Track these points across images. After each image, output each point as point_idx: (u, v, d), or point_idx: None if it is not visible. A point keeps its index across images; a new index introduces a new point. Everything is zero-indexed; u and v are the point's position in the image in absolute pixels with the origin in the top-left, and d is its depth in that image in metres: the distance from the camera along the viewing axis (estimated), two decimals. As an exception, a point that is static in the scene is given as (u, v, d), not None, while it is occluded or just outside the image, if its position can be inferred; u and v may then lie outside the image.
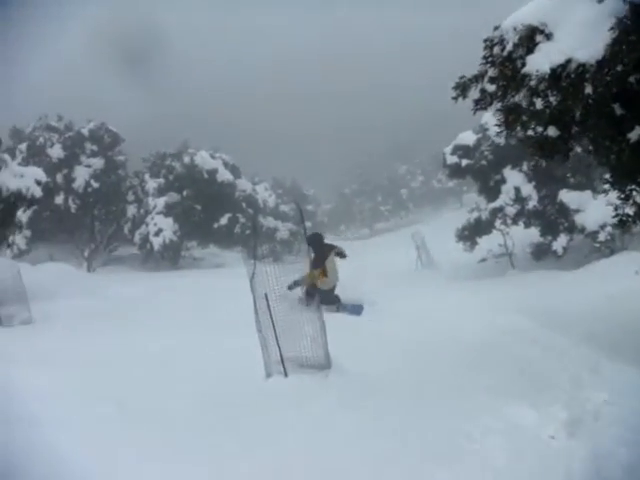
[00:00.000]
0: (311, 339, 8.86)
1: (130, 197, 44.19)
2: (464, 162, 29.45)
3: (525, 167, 26.79)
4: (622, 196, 9.09)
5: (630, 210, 9.07)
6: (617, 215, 9.20)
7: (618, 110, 8.28)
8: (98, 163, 42.37)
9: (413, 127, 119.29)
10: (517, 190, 27.03)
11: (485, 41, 8.05)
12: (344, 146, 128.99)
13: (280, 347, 8.72)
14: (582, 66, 7.11)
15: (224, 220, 41.37)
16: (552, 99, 8.05)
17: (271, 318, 8.67)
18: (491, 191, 28.67)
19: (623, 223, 9.26)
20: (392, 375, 9.08)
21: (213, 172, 42.27)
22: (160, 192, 41.98)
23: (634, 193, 9.00)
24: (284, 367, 8.81)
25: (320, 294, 10.61)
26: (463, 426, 6.98)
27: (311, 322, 8.91)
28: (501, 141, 27.39)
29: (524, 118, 8.22)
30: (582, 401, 8.07)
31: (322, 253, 16.52)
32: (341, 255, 17.11)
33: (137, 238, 40.36)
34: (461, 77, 8.31)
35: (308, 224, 67.20)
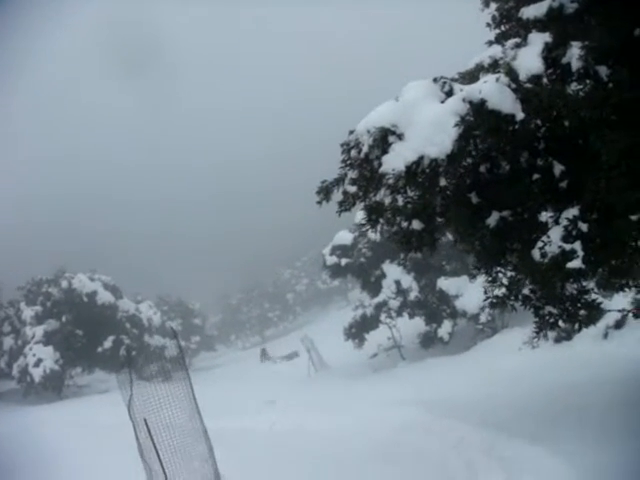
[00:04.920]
0: (200, 460, 8.51)
1: (6, 328, 42.10)
2: (343, 261, 30.01)
3: (402, 260, 27.58)
4: (490, 279, 9.49)
5: (499, 291, 9.45)
6: (488, 297, 9.57)
7: (474, 199, 8.77)
8: (-32, 296, 40.45)
9: (293, 231, 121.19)
10: (398, 283, 27.72)
11: (342, 145, 8.39)
12: (225, 255, 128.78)
13: (166, 474, 8.29)
14: (434, 161, 7.52)
15: (108, 343, 39.93)
16: (412, 194, 8.44)
17: (153, 444, 8.27)
18: (373, 286, 29.25)
19: (494, 305, 9.62)
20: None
21: (93, 295, 41.07)
22: (38, 320, 40.17)
23: (500, 275, 9.42)
24: (172, 495, 8.36)
25: None
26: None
27: (199, 442, 8.57)
28: (377, 237, 28.21)
29: (388, 215, 8.53)
30: (478, 486, 8.10)
31: None
32: None
33: (15, 371, 38.15)
34: (323, 181, 8.58)
35: (197, 338, 65.93)
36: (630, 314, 11.85)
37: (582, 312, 8.61)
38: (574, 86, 8.56)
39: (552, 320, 8.79)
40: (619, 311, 11.25)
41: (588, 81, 8.44)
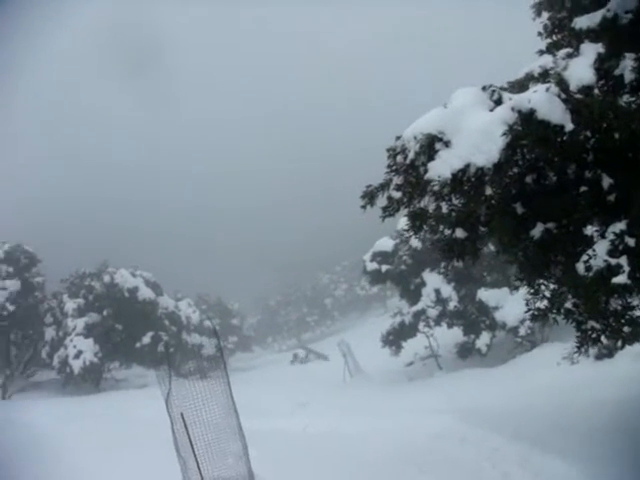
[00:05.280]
0: (235, 457, 8.59)
1: (48, 319, 42.69)
2: (384, 268, 29.95)
3: (443, 269, 27.43)
4: (532, 291, 9.40)
5: (541, 304, 9.35)
6: (529, 310, 9.47)
7: (519, 209, 8.70)
8: (14, 285, 40.87)
9: (334, 236, 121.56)
10: (437, 292, 27.56)
11: (388, 150, 8.40)
12: (267, 258, 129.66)
13: (201, 469, 8.39)
14: (480, 170, 7.47)
15: (147, 339, 40.35)
16: (456, 202, 8.42)
17: (189, 439, 8.37)
18: (412, 294, 29.13)
19: (536, 317, 9.52)
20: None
21: (134, 290, 41.58)
22: (80, 313, 40.78)
23: (543, 287, 9.32)
24: (205, 490, 8.45)
25: None
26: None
27: (234, 440, 8.65)
28: (419, 245, 28.13)
29: (431, 222, 8.51)
30: (513, 499, 8.05)
31: None
32: None
33: (56, 362, 38.70)
34: (368, 186, 8.59)
35: (234, 338, 66.39)
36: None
37: (626, 328, 8.46)
38: (626, 98, 8.44)
39: (594, 335, 8.64)
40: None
41: (640, 93, 8.33)
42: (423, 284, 28.27)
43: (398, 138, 8.29)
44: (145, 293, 42.18)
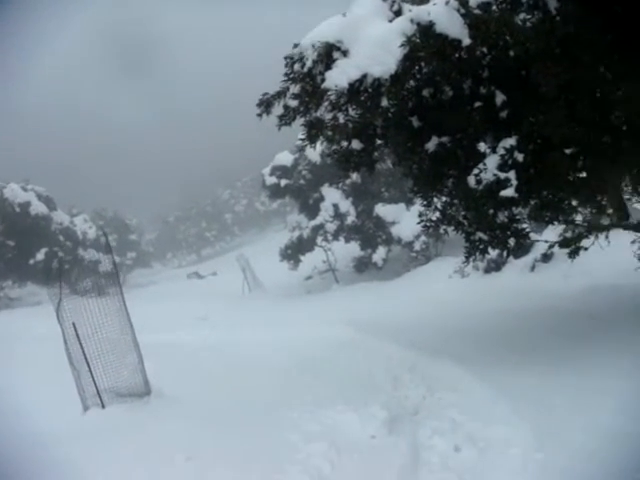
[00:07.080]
0: (130, 369, 8.60)
1: None
2: (283, 182, 29.92)
3: (341, 183, 27.67)
4: (425, 203, 9.65)
5: (433, 216, 9.63)
6: (422, 221, 9.73)
7: (415, 122, 8.81)
8: None
9: (234, 151, 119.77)
10: (336, 207, 27.85)
11: (286, 58, 8.24)
12: (164, 173, 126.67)
13: (95, 379, 8.37)
14: (377, 80, 7.48)
15: (40, 255, 39.06)
16: (353, 113, 8.43)
17: (82, 350, 8.30)
18: (311, 209, 29.34)
19: (428, 228, 9.80)
20: (216, 396, 8.99)
21: (25, 205, 39.89)
22: (-33, 230, 39.07)
23: (435, 200, 9.58)
24: (101, 399, 8.48)
25: None
26: (288, 436, 7.03)
27: (129, 353, 8.64)
28: (318, 160, 28.16)
29: (328, 132, 8.51)
30: (401, 399, 8.47)
31: None
32: None
33: (-57, 281, 37.32)
34: (264, 94, 8.46)
35: (133, 254, 65.34)
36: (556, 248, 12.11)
37: (511, 240, 8.85)
38: (523, 16, 8.54)
39: (482, 246, 9.01)
40: (546, 242, 11.60)
41: (536, 12, 8.43)
42: (322, 199, 28.47)
43: (296, 46, 8.14)
44: (37, 208, 40.52)
